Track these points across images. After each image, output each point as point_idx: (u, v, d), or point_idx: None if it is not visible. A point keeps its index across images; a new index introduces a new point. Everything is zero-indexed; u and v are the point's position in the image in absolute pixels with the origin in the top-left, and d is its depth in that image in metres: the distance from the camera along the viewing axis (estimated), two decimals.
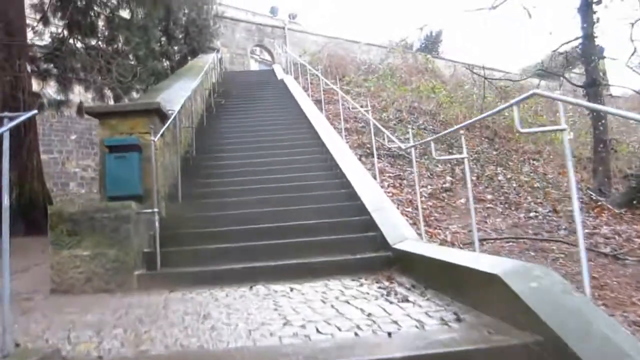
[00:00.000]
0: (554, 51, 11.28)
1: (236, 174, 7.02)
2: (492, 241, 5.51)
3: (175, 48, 17.63)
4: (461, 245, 5.30)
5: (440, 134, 6.64)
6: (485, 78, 10.73)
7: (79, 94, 13.48)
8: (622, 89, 14.30)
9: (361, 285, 3.72)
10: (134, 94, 13.01)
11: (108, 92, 13.01)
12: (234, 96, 12.56)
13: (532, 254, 5.19)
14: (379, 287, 3.57)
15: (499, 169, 9.11)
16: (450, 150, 10.00)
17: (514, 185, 8.26)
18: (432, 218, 5.79)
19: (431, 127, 11.37)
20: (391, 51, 17.82)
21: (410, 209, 6.04)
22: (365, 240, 4.92)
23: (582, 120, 13.22)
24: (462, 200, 6.60)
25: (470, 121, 5.79)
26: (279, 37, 21.74)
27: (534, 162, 10.78)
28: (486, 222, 5.99)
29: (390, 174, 7.67)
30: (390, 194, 6.60)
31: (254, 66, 24.84)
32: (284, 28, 22.03)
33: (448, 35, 29.28)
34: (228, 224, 5.41)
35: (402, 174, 7.76)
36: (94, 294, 4.12)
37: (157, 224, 4.80)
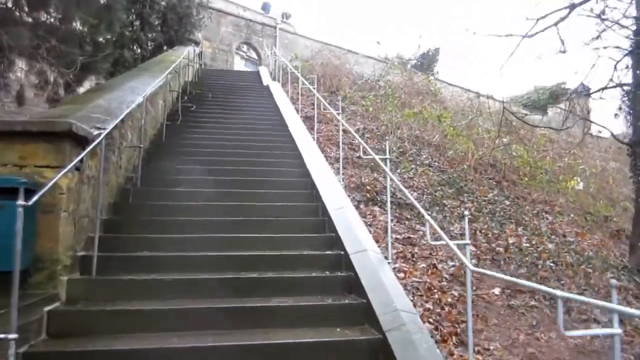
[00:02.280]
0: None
1: (191, 226, 5.10)
2: None
3: (150, 35, 15.55)
4: None
5: None
6: (505, 108, 9.08)
7: (19, 80, 11.34)
8: None
9: None
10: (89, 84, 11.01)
11: (60, 80, 10.98)
12: (209, 101, 10.59)
13: None
14: None
15: (519, 229, 7.44)
16: (460, 198, 8.32)
17: (535, 252, 6.58)
18: (461, 327, 4.02)
19: (437, 163, 9.67)
20: (391, 67, 16.13)
21: (436, 308, 4.24)
22: None
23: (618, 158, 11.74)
24: (496, 291, 4.85)
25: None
26: (269, 37, 19.83)
27: (546, 214, 9.19)
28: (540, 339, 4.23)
29: (398, 235, 5.87)
30: (402, 275, 4.80)
31: (239, 64, 22.82)
32: (275, 27, 20.13)
33: (444, 55, 27.90)
34: (168, 338, 3.49)
35: (412, 235, 5.98)
36: None
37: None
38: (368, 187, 7.21)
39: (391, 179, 4.85)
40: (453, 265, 5.30)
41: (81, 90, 11.02)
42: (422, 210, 4.08)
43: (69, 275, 4.00)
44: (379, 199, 6.97)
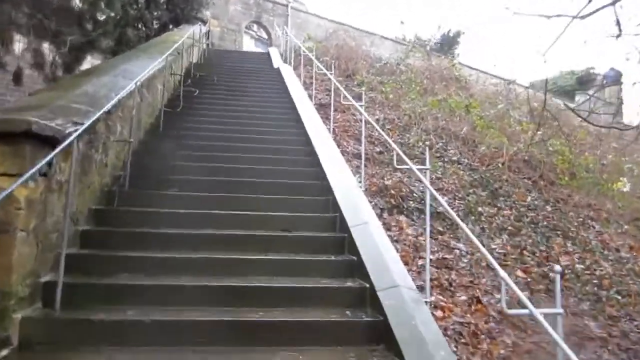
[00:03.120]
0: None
1: (183, 242, 4.25)
2: None
3: (155, 13, 14.58)
4: None
5: None
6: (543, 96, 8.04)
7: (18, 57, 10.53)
8: None
9: None
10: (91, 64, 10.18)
11: (58, 59, 10.14)
12: (214, 85, 9.67)
13: None
14: None
15: (567, 243, 6.50)
16: (496, 203, 7.37)
17: (593, 278, 5.64)
18: None
19: (466, 160, 8.70)
20: (412, 50, 15.02)
21: None
22: None
23: None
24: None
25: None
26: (280, 16, 18.73)
27: (592, 222, 8.21)
28: None
29: (430, 254, 4.94)
30: (440, 313, 3.92)
31: (249, 44, 21.76)
32: (287, 6, 19.01)
33: (466, 38, 26.46)
34: None
35: (448, 255, 5.08)
36: None
37: None
38: (392, 191, 6.30)
39: (432, 196, 3.89)
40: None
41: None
42: (477, 242, 3.15)
43: (24, 311, 3.20)
44: (405, 206, 6.07)
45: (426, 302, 3.64)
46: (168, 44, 8.34)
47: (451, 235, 5.75)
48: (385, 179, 6.79)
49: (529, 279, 5.03)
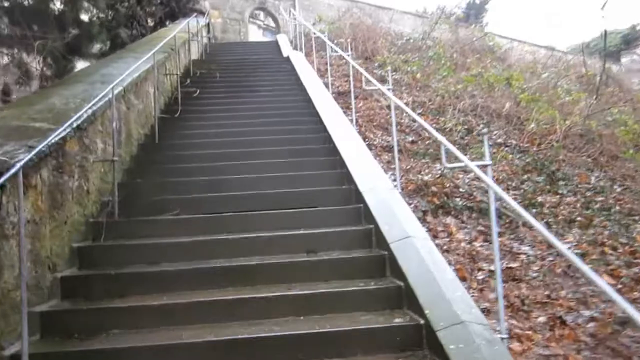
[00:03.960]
0: None
1: (186, 278, 3.62)
2: None
3: (147, 10, 14.07)
4: None
5: None
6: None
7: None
8: None
9: None
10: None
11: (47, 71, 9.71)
12: (217, 83, 9.05)
13: None
14: None
15: None
16: (555, 187, 6.52)
17: None
18: None
19: (513, 141, 7.84)
20: (438, 22, 14.07)
21: None
22: None
23: None
24: None
25: None
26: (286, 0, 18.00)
27: None
28: None
29: (490, 262, 4.19)
30: (517, 346, 3.16)
31: (255, 35, 21.13)
32: None
33: (494, 5, 25.10)
34: None
35: (513, 264, 4.31)
36: None
37: None
38: (433, 188, 5.53)
39: (500, 199, 3.12)
40: (592, 317, 3.62)
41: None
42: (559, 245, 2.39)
43: None
44: (451, 205, 5.29)
45: (502, 339, 2.91)
46: (157, 41, 7.74)
47: (512, 237, 4.96)
48: (423, 173, 6.03)
49: (619, 285, 4.21)
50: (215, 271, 3.72)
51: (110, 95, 4.40)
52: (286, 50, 12.31)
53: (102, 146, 4.54)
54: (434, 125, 7.77)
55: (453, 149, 3.43)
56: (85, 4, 9.93)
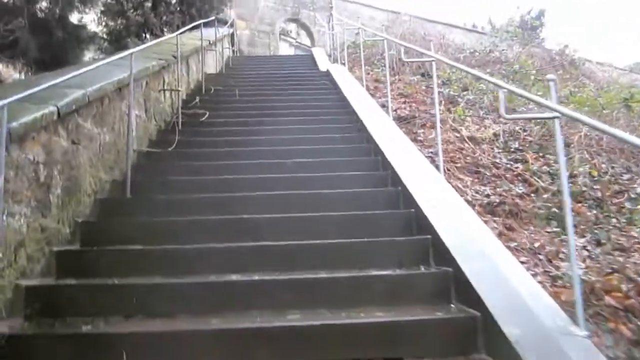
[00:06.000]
0: None
1: None
2: None
3: (163, 18, 12.10)
4: None
5: None
6: None
7: None
8: None
9: None
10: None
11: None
12: (234, 103, 6.78)
13: None
14: None
15: None
16: None
17: None
18: None
19: None
20: (505, 34, 11.67)
21: None
22: None
23: None
24: None
25: None
26: (323, 9, 15.87)
27: None
28: None
29: None
30: None
31: (286, 52, 19.05)
32: None
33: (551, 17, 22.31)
34: None
35: None
36: None
37: None
38: (611, 301, 3.02)
39: None
40: None
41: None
42: None
43: None
44: None
45: None
46: (154, 47, 5.55)
47: None
48: (563, 254, 3.55)
49: None
50: None
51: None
52: (324, 63, 10.08)
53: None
54: (544, 169, 5.30)
55: None
56: (79, 4, 7.89)
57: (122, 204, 3.66)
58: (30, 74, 7.18)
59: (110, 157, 3.91)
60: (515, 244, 3.62)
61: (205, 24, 9.11)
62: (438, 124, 4.29)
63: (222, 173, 4.17)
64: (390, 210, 3.62)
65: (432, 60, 4.53)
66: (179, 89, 5.74)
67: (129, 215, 3.49)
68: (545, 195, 4.59)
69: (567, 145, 5.75)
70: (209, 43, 8.55)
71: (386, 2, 18.77)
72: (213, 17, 10.29)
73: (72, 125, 3.22)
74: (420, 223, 3.29)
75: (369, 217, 3.45)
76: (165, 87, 5.56)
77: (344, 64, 9.27)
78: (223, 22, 12.43)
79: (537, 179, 4.95)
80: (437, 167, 4.33)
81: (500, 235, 3.75)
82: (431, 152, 5.34)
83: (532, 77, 8.16)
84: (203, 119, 5.71)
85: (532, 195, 4.69)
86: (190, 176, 4.13)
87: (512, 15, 20.71)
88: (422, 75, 9.80)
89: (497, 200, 4.36)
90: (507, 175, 5.05)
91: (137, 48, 4.20)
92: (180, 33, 6.57)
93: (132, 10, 11.63)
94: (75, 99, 3.17)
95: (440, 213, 3.26)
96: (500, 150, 5.74)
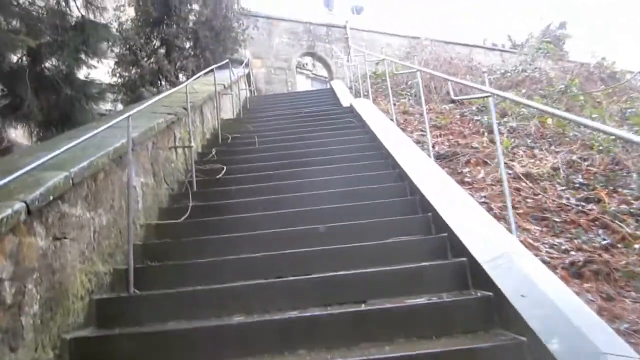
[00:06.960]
0: None
1: None
2: None
3: (178, 63, 11.73)
4: None
5: None
6: None
7: None
8: None
9: None
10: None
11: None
12: (254, 152, 6.12)
13: None
14: None
15: None
16: None
17: None
18: None
19: None
20: (538, 50, 10.89)
21: None
22: None
23: None
24: None
25: None
26: (338, 41, 15.41)
27: None
28: None
29: None
30: None
31: (303, 85, 18.59)
32: (344, 27, 15.70)
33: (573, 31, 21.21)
34: None
35: None
36: None
37: None
38: None
39: None
40: None
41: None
42: None
43: None
44: None
45: None
46: (164, 100, 4.96)
47: None
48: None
49: None
50: None
51: None
52: (345, 98, 9.43)
53: None
54: (622, 206, 4.43)
55: None
56: (85, 58, 7.42)
57: (123, 304, 2.95)
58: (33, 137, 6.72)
59: (110, 242, 3.24)
60: (627, 324, 2.76)
61: (220, 67, 8.58)
62: (503, 172, 3.46)
63: (246, 249, 3.43)
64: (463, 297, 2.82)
65: (489, 96, 3.76)
66: (192, 144, 5.11)
67: (132, 321, 2.78)
68: (637, 246, 3.73)
69: None
70: (224, 87, 8.00)
71: (399, 28, 18.19)
72: (227, 60, 9.75)
73: (52, 217, 2.56)
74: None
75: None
76: (177, 144, 4.94)
77: (367, 96, 8.60)
78: (239, 63, 12.02)
79: (619, 222, 4.09)
80: (504, 218, 3.53)
81: (600, 311, 2.90)
82: (484, 197, 4.56)
83: (582, 98, 7.30)
84: (219, 176, 5.04)
85: (619, 245, 3.83)
86: (207, 257, 3.39)
87: (531, 31, 19.95)
88: (453, 102, 9.07)
89: (581, 259, 3.51)
90: (582, 221, 4.20)
91: (136, 109, 3.56)
92: (193, 80, 6.00)
93: (145, 59, 11.29)
94: (55, 186, 2.52)
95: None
96: (563, 187, 4.90)
